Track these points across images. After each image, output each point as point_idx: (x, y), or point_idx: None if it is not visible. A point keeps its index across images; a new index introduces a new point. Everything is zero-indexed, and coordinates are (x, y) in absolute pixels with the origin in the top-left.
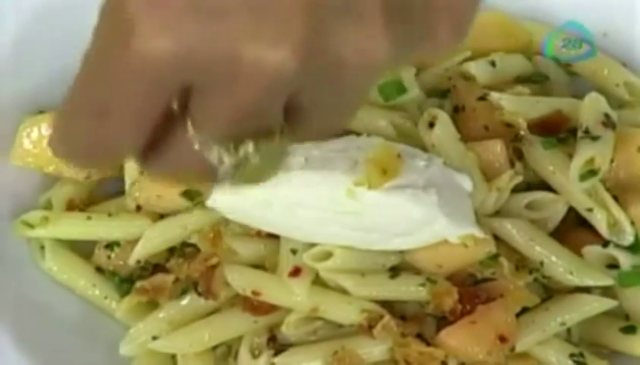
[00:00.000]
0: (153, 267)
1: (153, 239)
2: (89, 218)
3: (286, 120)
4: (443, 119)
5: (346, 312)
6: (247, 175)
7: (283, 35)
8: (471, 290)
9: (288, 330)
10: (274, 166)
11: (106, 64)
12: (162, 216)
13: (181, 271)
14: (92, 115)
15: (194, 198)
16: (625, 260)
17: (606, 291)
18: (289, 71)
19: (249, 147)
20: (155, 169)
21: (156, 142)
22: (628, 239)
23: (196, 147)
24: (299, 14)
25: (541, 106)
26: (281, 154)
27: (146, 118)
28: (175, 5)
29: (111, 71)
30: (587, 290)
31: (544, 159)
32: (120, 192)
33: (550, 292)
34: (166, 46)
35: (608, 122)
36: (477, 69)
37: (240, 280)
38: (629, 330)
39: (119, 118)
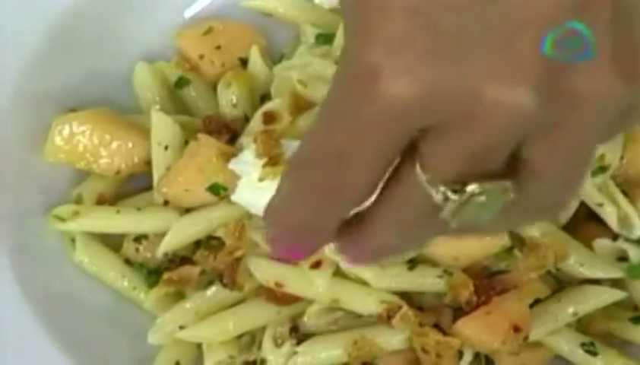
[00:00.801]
0: (180, 259)
1: (180, 233)
2: (118, 212)
3: (514, 172)
4: None
5: (366, 303)
6: (467, 214)
7: (522, 74)
8: (486, 281)
9: (310, 320)
10: (495, 207)
11: (348, 110)
12: (188, 210)
13: (207, 263)
14: (331, 159)
15: (219, 193)
16: (634, 253)
17: (615, 283)
18: (527, 110)
19: (475, 187)
20: (380, 212)
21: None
22: (637, 232)
23: (423, 186)
24: (535, 52)
25: None
26: (504, 197)
27: (385, 160)
28: (415, 51)
29: (353, 116)
30: (597, 281)
31: None
32: (148, 187)
33: (562, 283)
34: (410, 89)
35: None
36: None
37: (264, 271)
38: (638, 320)
39: (358, 161)
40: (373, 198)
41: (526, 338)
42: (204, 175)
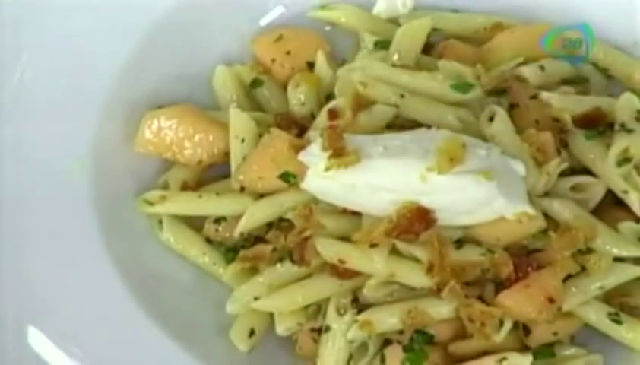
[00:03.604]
0: (255, 238)
1: (254, 215)
2: (200, 197)
3: None
4: (501, 114)
5: (419, 278)
6: None
7: None
8: (524, 259)
9: (369, 292)
10: None
11: None
12: (262, 195)
13: (278, 242)
14: None
15: (289, 180)
16: None
17: (638, 260)
18: None
19: None
20: None
21: None
22: None
23: None
24: None
25: (584, 104)
26: None
27: None
28: None
29: None
30: (622, 259)
31: (586, 148)
32: (226, 175)
33: None
34: None
35: None
36: (529, 72)
37: (329, 250)
38: None
39: None
40: None
41: (559, 309)
42: (276, 164)
